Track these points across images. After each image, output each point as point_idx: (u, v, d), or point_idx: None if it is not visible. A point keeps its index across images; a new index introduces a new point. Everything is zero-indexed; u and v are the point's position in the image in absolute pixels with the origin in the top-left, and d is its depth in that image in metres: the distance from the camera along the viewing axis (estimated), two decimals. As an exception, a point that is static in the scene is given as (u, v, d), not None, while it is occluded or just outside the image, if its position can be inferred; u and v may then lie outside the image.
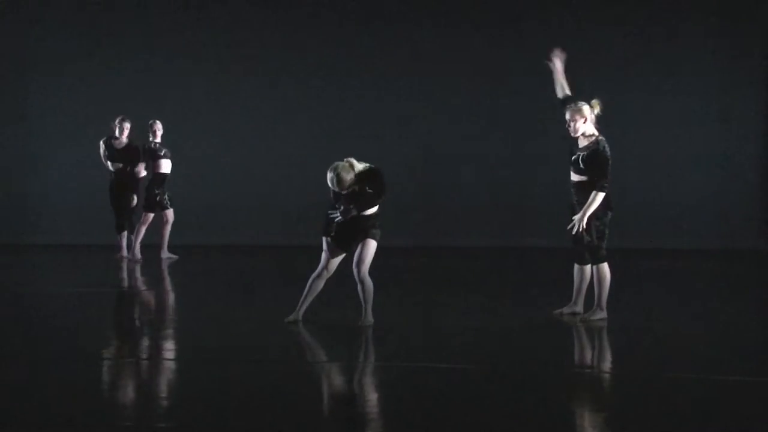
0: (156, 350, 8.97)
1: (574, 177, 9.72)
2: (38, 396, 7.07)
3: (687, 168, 17.87)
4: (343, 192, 9.22)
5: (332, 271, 9.47)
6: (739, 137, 17.90)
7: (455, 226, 17.81)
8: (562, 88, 9.97)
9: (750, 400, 7.00)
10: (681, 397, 7.06)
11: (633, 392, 7.23)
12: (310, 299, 9.51)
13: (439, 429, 6.31)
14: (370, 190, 9.24)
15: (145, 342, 9.41)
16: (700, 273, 14.86)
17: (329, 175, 9.18)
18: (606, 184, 9.52)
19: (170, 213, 15.43)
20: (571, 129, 9.66)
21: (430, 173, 17.76)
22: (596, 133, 9.69)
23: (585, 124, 9.64)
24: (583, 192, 9.61)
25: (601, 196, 9.51)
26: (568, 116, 9.68)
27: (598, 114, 9.74)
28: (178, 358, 8.58)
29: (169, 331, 9.89)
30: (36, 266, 15.62)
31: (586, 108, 9.67)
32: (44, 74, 18.37)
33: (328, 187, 9.31)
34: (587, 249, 9.71)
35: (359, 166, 9.25)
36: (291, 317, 9.55)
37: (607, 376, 7.97)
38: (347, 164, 9.20)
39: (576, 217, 9.52)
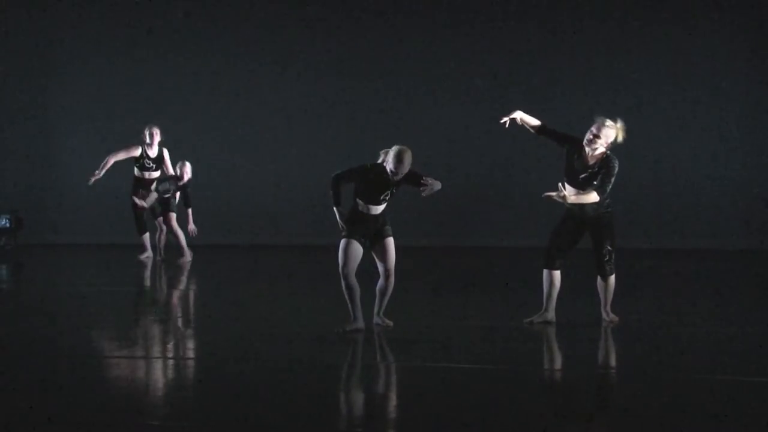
0: (169, 349, 9.03)
1: (572, 190, 9.41)
2: (55, 394, 7.16)
3: (705, 168, 17.83)
4: (395, 176, 9.08)
5: (355, 268, 9.26)
6: (758, 138, 17.86)
7: (456, 226, 17.83)
8: (532, 125, 9.69)
9: (750, 400, 7.01)
10: (682, 397, 7.06)
11: (634, 392, 7.23)
12: (357, 301, 9.30)
13: (441, 428, 6.34)
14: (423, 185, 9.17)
15: (158, 341, 9.46)
16: (712, 273, 14.78)
17: (399, 151, 9.05)
18: (604, 193, 9.36)
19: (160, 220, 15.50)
20: (592, 144, 9.30)
21: (431, 174, 17.71)
22: (605, 151, 9.45)
23: (605, 146, 9.37)
24: (582, 205, 9.46)
25: (593, 197, 9.31)
26: (595, 130, 9.31)
27: (619, 142, 9.42)
28: (190, 357, 8.67)
29: (182, 330, 9.96)
30: (58, 265, 15.76)
31: (613, 131, 9.32)
32: (64, 75, 18.52)
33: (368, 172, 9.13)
34: (606, 261, 9.60)
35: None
36: (353, 326, 9.31)
37: (609, 376, 7.98)
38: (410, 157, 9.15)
39: (566, 192, 9.23)
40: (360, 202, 9.24)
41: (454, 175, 17.64)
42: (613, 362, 8.61)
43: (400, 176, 9.10)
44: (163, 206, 15.33)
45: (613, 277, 9.66)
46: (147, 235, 15.51)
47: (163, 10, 18.47)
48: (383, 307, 9.48)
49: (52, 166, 18.64)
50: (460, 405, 6.88)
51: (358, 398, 7.26)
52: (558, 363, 8.30)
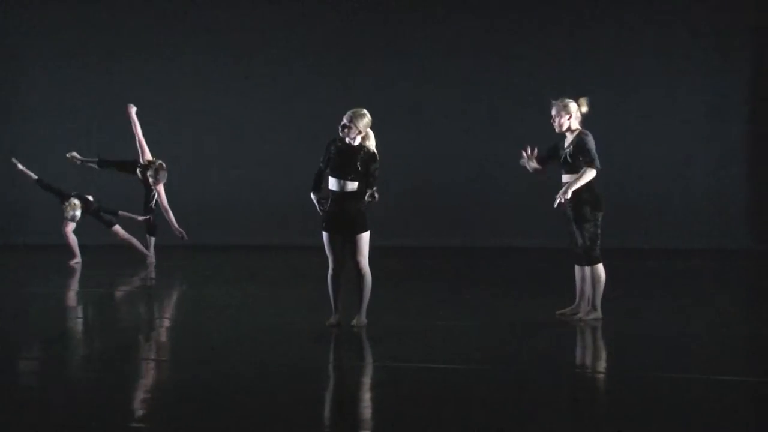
0: (150, 351, 8.94)
1: (565, 177, 9.63)
2: (31, 397, 7.06)
3: (682, 168, 17.93)
4: (346, 137, 9.22)
5: (343, 261, 9.37)
6: (733, 138, 17.98)
7: (455, 226, 17.81)
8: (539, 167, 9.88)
9: (750, 400, 6.98)
10: (681, 397, 7.02)
11: (632, 392, 7.20)
12: (339, 297, 9.41)
13: (438, 429, 6.26)
14: (372, 174, 9.21)
15: (140, 342, 9.35)
16: (697, 272, 14.89)
17: (351, 111, 9.25)
18: (596, 163, 9.47)
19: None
20: (556, 124, 9.65)
21: (430, 173, 17.75)
22: (580, 128, 9.68)
23: (570, 120, 9.62)
24: (574, 192, 9.52)
25: (591, 173, 9.45)
26: (553, 112, 9.65)
27: (585, 112, 9.69)
28: (175, 359, 8.56)
29: (166, 331, 9.89)
30: (25, 266, 15.56)
31: (572, 105, 9.63)
32: (36, 73, 18.36)
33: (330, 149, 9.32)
34: (581, 251, 9.66)
35: (372, 139, 9.33)
36: (332, 320, 9.43)
37: (606, 376, 7.94)
38: (366, 117, 9.26)
39: (560, 192, 9.42)
40: (331, 179, 9.29)
41: (449, 175, 17.65)
42: (608, 362, 8.58)
43: (347, 135, 9.23)
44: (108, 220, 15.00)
45: (597, 269, 9.68)
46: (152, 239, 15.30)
47: (146, 12, 18.29)
48: (362, 307, 9.43)
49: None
50: (455, 405, 6.82)
51: (350, 400, 7.17)
52: (552, 363, 8.23)
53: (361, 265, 9.32)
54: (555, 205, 9.52)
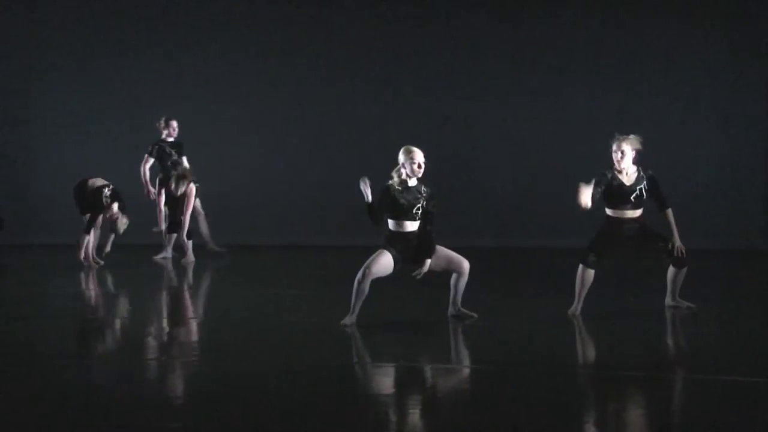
0: (163, 350, 8.99)
1: (633, 213, 9.96)
2: (43, 396, 7.10)
3: (691, 168, 17.85)
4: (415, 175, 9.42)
5: (377, 274, 9.42)
6: (743, 136, 17.90)
7: (455, 226, 17.78)
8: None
9: (750, 400, 6.99)
10: (681, 397, 7.05)
11: (633, 392, 7.22)
12: (360, 302, 9.43)
13: (439, 429, 6.30)
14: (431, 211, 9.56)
15: (147, 342, 9.40)
16: (702, 273, 14.78)
17: (405, 148, 9.56)
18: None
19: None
20: (620, 159, 9.86)
21: (431, 173, 17.68)
22: (637, 167, 9.98)
23: (632, 157, 9.90)
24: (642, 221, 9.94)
25: (640, 211, 9.96)
26: (618, 146, 9.86)
27: (639, 149, 9.97)
28: (184, 359, 8.60)
29: (180, 331, 9.91)
30: (43, 266, 15.58)
31: (634, 142, 9.89)
32: (48, 74, 18.37)
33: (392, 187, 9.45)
34: (678, 253, 10.03)
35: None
36: (346, 320, 9.47)
37: (608, 376, 7.94)
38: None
39: (676, 244, 9.99)
40: (394, 222, 9.46)
41: (457, 175, 17.63)
42: (610, 362, 8.56)
43: (420, 171, 9.46)
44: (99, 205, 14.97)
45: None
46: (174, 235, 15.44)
47: (157, 13, 18.32)
48: (459, 299, 9.71)
49: (34, 165, 18.46)
50: (457, 405, 6.87)
51: (354, 399, 7.20)
52: (553, 363, 8.24)
53: (462, 263, 9.61)
54: (682, 266, 10.00)
